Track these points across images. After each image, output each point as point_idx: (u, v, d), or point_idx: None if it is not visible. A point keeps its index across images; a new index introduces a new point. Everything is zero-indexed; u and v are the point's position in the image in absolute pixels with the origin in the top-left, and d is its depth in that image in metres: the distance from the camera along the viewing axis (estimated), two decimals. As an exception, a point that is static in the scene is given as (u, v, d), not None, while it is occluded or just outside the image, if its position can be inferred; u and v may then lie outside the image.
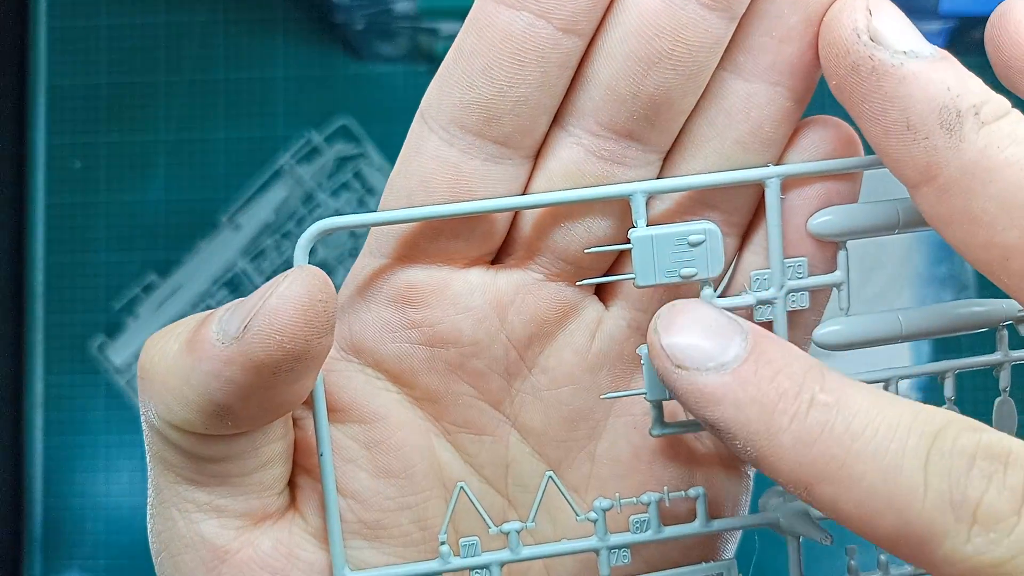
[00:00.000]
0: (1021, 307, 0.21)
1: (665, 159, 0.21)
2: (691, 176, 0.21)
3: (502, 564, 0.21)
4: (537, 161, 0.21)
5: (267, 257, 0.49)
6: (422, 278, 0.21)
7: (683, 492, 0.21)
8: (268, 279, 0.20)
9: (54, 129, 0.51)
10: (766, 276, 0.21)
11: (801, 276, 0.21)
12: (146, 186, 0.50)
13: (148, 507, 0.21)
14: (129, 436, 0.50)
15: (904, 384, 0.22)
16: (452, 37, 0.53)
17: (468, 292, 0.21)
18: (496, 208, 0.20)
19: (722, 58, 0.20)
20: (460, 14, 0.53)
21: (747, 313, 0.21)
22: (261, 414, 0.20)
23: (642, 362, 0.21)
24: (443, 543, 0.21)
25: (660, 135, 0.21)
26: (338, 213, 0.49)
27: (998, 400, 0.22)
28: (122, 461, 0.49)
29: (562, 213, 0.21)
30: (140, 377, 0.20)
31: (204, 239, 0.50)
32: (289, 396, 0.20)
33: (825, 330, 0.21)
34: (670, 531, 0.21)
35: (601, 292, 0.22)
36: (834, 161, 0.21)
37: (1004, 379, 0.22)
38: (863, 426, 0.17)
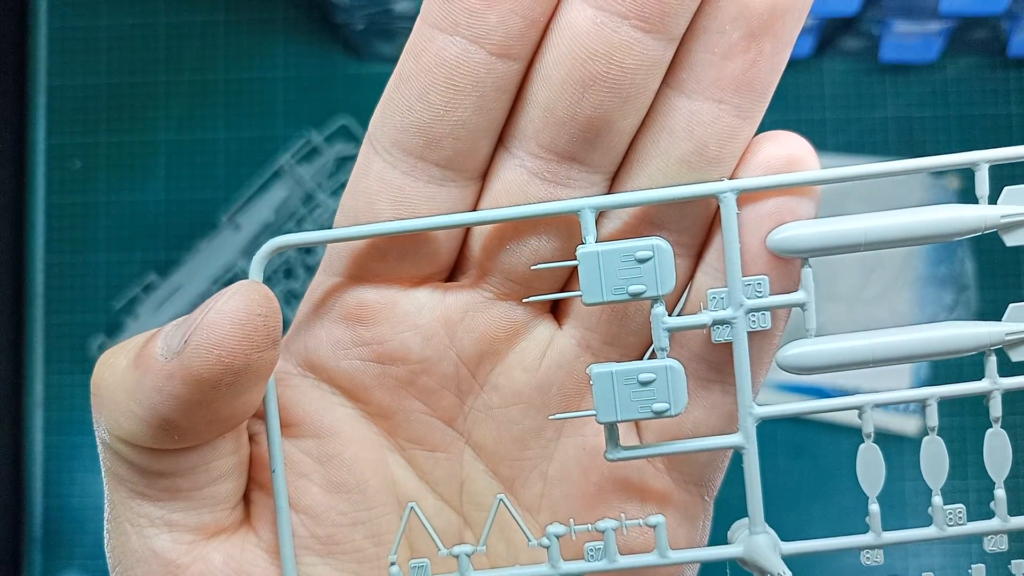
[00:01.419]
0: (1010, 332, 0.20)
1: (613, 180, 0.21)
2: (641, 191, 0.20)
3: None
4: (484, 183, 0.21)
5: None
6: (372, 297, 0.21)
7: (639, 520, 0.21)
8: (268, 279, 0.20)
9: (54, 129, 0.51)
10: (723, 295, 0.20)
11: (761, 295, 0.20)
12: (146, 186, 0.50)
13: (105, 522, 0.21)
14: (129, 436, 0.50)
15: (932, 409, 0.21)
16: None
17: (416, 310, 0.21)
18: (444, 224, 0.20)
19: (666, 75, 0.20)
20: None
21: (704, 333, 0.20)
22: (207, 428, 0.20)
23: (591, 382, 0.20)
24: (392, 564, 0.21)
25: (603, 156, 0.21)
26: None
27: (989, 432, 0.21)
28: (122, 461, 0.49)
29: (508, 233, 0.21)
30: (92, 393, 0.20)
31: (204, 239, 0.50)
32: (235, 410, 0.20)
33: (789, 352, 0.20)
34: (626, 561, 0.21)
35: (555, 312, 0.22)
36: (791, 175, 0.20)
37: (995, 409, 0.21)
38: None
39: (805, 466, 0.46)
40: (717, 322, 0.20)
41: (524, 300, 0.21)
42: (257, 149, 0.50)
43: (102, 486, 0.21)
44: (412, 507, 0.21)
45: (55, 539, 0.50)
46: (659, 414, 0.20)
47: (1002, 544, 0.21)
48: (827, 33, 0.49)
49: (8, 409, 0.49)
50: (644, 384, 0.20)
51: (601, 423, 0.20)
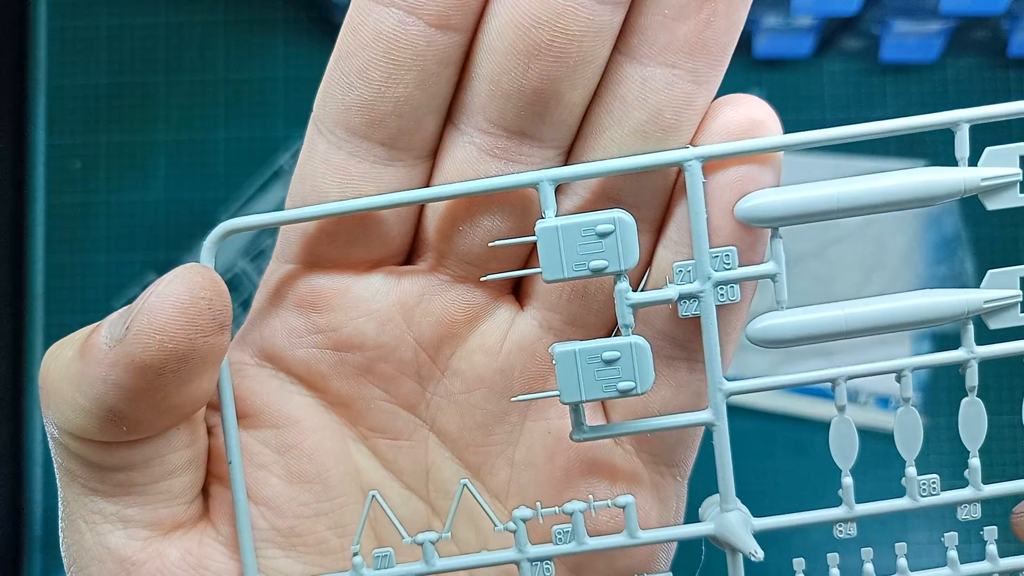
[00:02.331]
0: (988, 299, 0.20)
1: (568, 155, 0.20)
2: (603, 161, 0.19)
3: None
4: (434, 162, 0.21)
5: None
6: (324, 283, 0.21)
7: (608, 502, 0.20)
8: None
9: (54, 129, 0.51)
10: (689, 268, 0.19)
11: (730, 267, 0.19)
12: (146, 186, 0.50)
13: (59, 521, 0.21)
14: (129, 436, 0.50)
15: (907, 380, 0.20)
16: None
17: (371, 296, 0.21)
18: (396, 202, 0.19)
19: (617, 42, 0.19)
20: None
21: (669, 309, 0.20)
22: (157, 418, 0.19)
23: (554, 362, 0.19)
24: (355, 554, 0.20)
25: (555, 130, 0.20)
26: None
27: (964, 401, 0.20)
28: (122, 461, 0.49)
29: (462, 213, 0.20)
30: (40, 387, 0.20)
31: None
32: (184, 399, 0.19)
33: (759, 325, 0.19)
34: (594, 542, 0.20)
35: (516, 294, 0.22)
36: (758, 140, 0.19)
37: (971, 378, 0.20)
38: None
39: (805, 466, 0.46)
40: (684, 296, 0.19)
41: (482, 279, 0.20)
42: (257, 149, 0.50)
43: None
44: (374, 495, 0.20)
45: (55, 539, 0.50)
46: (624, 393, 0.19)
47: (975, 513, 0.21)
48: (827, 33, 0.49)
49: (8, 409, 0.49)
50: (609, 363, 0.19)
51: (565, 404, 0.19)
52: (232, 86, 0.50)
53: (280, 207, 0.50)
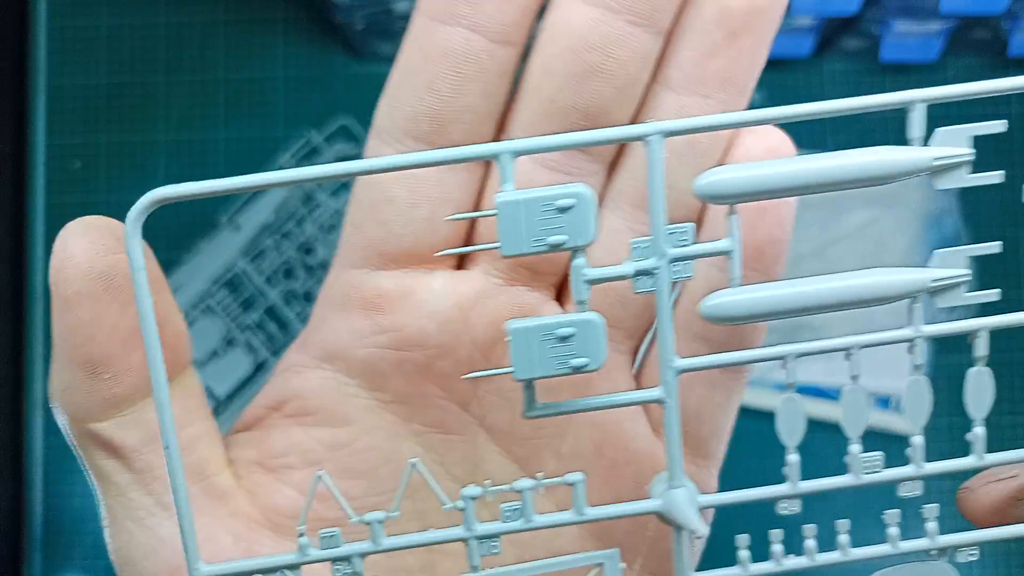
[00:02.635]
0: (936, 278, 0.20)
1: (609, 170, 0.22)
2: (566, 135, 0.19)
3: (363, 555, 0.20)
4: (488, 169, 0.22)
5: (267, 257, 0.49)
6: (389, 285, 0.22)
7: (559, 479, 0.20)
8: (268, 279, 0.20)
9: (54, 129, 0.51)
10: (646, 244, 0.19)
11: (685, 243, 0.19)
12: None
13: (105, 531, 0.22)
14: (129, 436, 0.50)
15: (855, 359, 0.21)
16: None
17: (433, 297, 0.22)
18: (339, 173, 0.19)
19: (656, 72, 0.21)
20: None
21: (626, 285, 0.20)
22: (125, 354, 0.20)
23: (508, 339, 0.19)
24: (301, 535, 0.20)
25: (605, 147, 0.22)
26: (338, 213, 0.49)
27: (910, 379, 0.21)
28: (122, 461, 0.49)
29: None
30: (52, 406, 0.21)
31: (204, 239, 0.50)
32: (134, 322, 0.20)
33: (712, 302, 0.20)
34: (542, 519, 0.20)
35: (559, 299, 0.23)
36: (719, 116, 0.19)
37: (917, 356, 0.20)
38: None
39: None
40: (640, 272, 0.19)
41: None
42: (257, 149, 0.50)
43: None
44: (414, 463, 0.20)
45: (55, 539, 0.50)
46: (578, 369, 0.19)
47: (916, 489, 0.21)
48: (827, 33, 0.49)
49: (8, 409, 0.49)
50: (563, 339, 0.19)
51: (518, 380, 0.19)
52: (232, 86, 0.50)
53: (280, 207, 0.50)
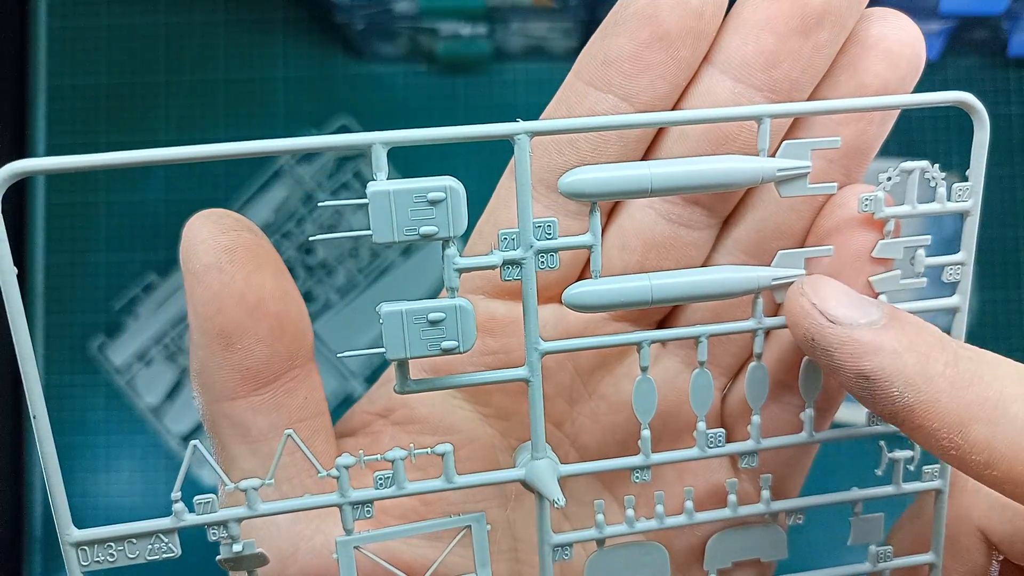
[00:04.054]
0: (777, 277, 0.22)
1: (724, 223, 0.24)
2: (436, 129, 0.20)
3: (239, 520, 0.21)
4: (612, 215, 0.24)
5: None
6: (502, 311, 0.24)
7: (428, 449, 0.21)
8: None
9: (54, 129, 0.51)
10: (514, 235, 0.20)
11: (551, 236, 0.21)
12: (146, 186, 0.50)
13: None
14: (129, 436, 0.50)
15: (703, 346, 0.22)
16: (452, 37, 0.53)
17: (541, 325, 0.23)
18: (230, 153, 0.20)
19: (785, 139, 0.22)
20: (460, 14, 0.53)
21: (495, 273, 0.21)
22: (252, 323, 0.21)
23: (380, 321, 0.20)
24: (175, 500, 0.21)
25: (724, 203, 0.23)
26: (338, 213, 0.49)
27: (751, 366, 0.23)
28: (122, 461, 0.49)
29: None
30: (193, 396, 0.23)
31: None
32: (260, 295, 0.22)
33: (574, 291, 0.21)
34: (413, 487, 0.21)
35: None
36: (585, 120, 0.20)
37: (757, 345, 0.23)
38: (1011, 374, 0.19)
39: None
40: (507, 262, 0.20)
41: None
42: (257, 149, 0.50)
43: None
44: (289, 434, 0.21)
45: (55, 539, 0.50)
46: (447, 351, 0.20)
47: (753, 462, 0.23)
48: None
49: (8, 409, 0.49)
50: (434, 323, 0.20)
51: (389, 360, 0.20)
52: (232, 86, 0.50)
53: (280, 207, 0.50)
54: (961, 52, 0.49)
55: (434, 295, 0.51)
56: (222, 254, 0.21)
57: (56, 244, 0.50)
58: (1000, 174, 0.49)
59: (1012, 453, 0.18)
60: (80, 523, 0.21)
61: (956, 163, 0.49)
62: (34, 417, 0.20)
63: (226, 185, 0.50)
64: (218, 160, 0.20)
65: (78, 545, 0.20)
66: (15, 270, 0.20)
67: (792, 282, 0.22)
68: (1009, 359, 0.20)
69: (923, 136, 0.49)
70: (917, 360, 0.19)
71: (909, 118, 0.48)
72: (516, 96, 0.50)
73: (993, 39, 0.48)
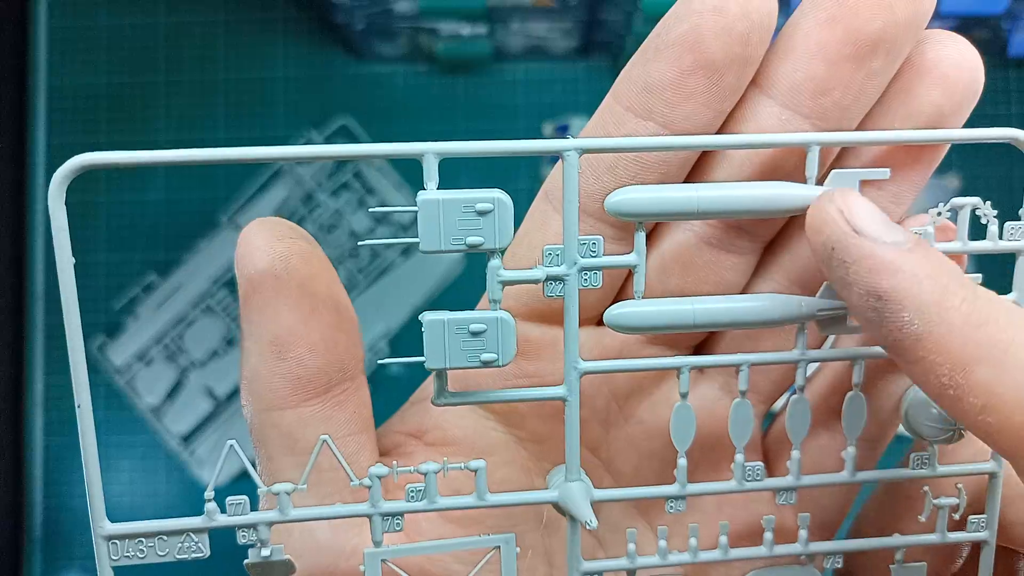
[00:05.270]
0: (823, 308, 0.21)
1: (766, 248, 0.23)
2: (488, 142, 0.20)
3: (270, 524, 0.21)
4: (652, 238, 0.23)
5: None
6: (537, 334, 0.23)
7: (461, 464, 0.21)
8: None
9: (54, 129, 0.51)
10: (559, 252, 0.20)
11: (595, 254, 0.21)
12: (146, 186, 0.50)
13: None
14: (129, 436, 0.50)
15: (744, 375, 0.22)
16: (452, 37, 0.53)
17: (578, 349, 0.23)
18: (256, 157, 0.20)
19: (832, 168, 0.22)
20: (460, 14, 0.53)
21: (538, 288, 0.21)
22: (305, 330, 0.21)
23: (423, 329, 0.20)
24: (208, 500, 0.20)
25: (767, 229, 0.23)
26: (338, 213, 0.49)
27: (793, 399, 0.22)
28: (122, 461, 0.49)
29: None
30: (245, 408, 0.22)
31: (204, 239, 0.50)
32: (316, 300, 0.22)
33: (616, 311, 0.21)
34: (444, 502, 0.21)
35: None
36: (635, 140, 0.20)
37: (799, 377, 0.22)
38: None
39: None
40: (551, 278, 0.20)
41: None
42: (257, 149, 0.50)
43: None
44: (325, 440, 0.21)
45: (55, 539, 0.50)
46: (487, 364, 0.20)
47: (792, 499, 0.23)
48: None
49: (8, 409, 0.49)
50: (475, 335, 0.20)
51: (429, 369, 0.20)
52: (232, 86, 0.50)
53: (280, 207, 0.50)
54: (961, 52, 0.49)
55: (434, 297, 0.51)
56: (277, 261, 0.21)
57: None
58: (1000, 174, 0.49)
59: (1012, 400, 0.17)
60: (80, 522, 0.21)
61: (955, 163, 0.49)
62: (78, 407, 0.21)
63: (226, 185, 0.50)
64: (261, 162, 0.20)
65: (110, 539, 0.20)
66: (72, 260, 0.20)
67: (837, 314, 0.21)
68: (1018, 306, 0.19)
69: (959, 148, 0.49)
70: (935, 289, 0.18)
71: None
72: (516, 96, 0.50)
73: (993, 39, 0.48)
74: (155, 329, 0.49)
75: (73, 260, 0.20)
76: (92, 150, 0.21)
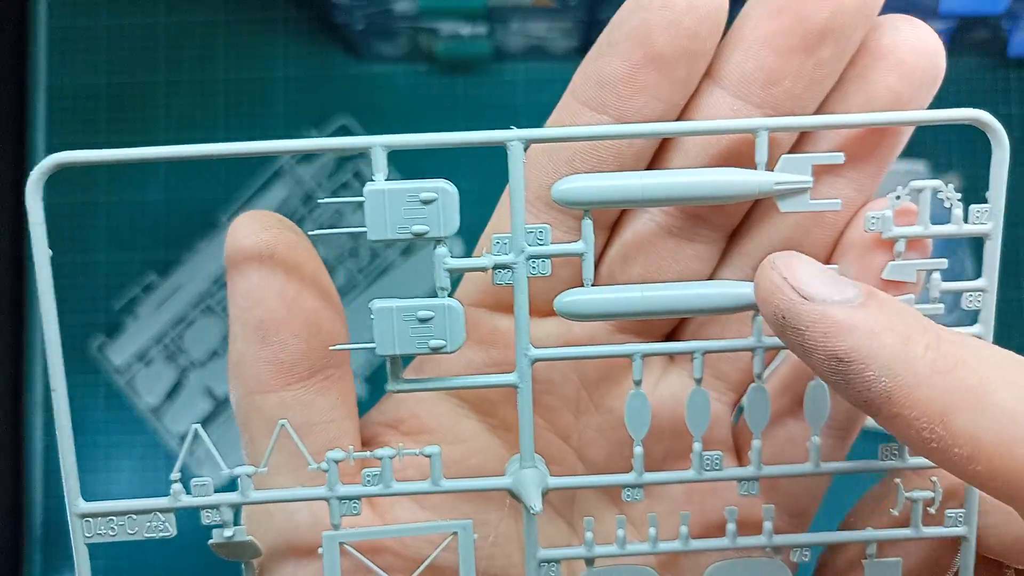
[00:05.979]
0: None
1: (731, 237, 0.23)
2: (433, 134, 0.21)
3: (232, 505, 0.21)
4: (614, 230, 0.23)
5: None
6: (506, 325, 0.23)
7: (416, 451, 0.21)
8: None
9: (54, 129, 0.51)
10: (507, 240, 0.21)
11: (543, 243, 0.21)
12: (146, 186, 0.50)
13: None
14: (129, 436, 0.50)
15: (698, 362, 0.22)
16: (452, 37, 0.53)
17: (545, 337, 0.23)
18: (241, 152, 0.20)
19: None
20: (460, 14, 0.53)
21: (487, 275, 0.21)
22: (289, 317, 0.22)
23: (371, 316, 0.21)
24: (174, 481, 0.22)
25: (727, 218, 0.23)
26: (338, 213, 0.49)
27: (752, 387, 0.22)
28: (122, 461, 0.49)
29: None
30: (232, 397, 0.23)
31: (204, 239, 0.50)
32: (298, 286, 0.22)
33: (565, 299, 0.21)
34: (399, 487, 0.22)
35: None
36: (580, 128, 0.21)
37: (757, 365, 0.22)
38: (996, 358, 0.17)
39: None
40: (499, 266, 0.21)
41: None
42: (257, 149, 0.50)
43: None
44: (283, 424, 0.21)
45: (55, 539, 0.50)
46: (435, 350, 0.21)
47: (753, 490, 0.23)
48: (827, 33, 0.49)
49: (8, 409, 0.49)
50: (423, 321, 0.21)
51: (380, 356, 0.21)
52: (232, 86, 0.50)
53: (281, 207, 0.50)
54: (961, 52, 0.49)
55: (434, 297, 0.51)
56: (263, 248, 0.22)
57: (56, 244, 0.50)
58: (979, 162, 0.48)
59: (998, 444, 0.17)
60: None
61: (956, 163, 0.49)
62: (54, 391, 0.22)
63: (226, 185, 0.50)
64: (218, 159, 0.20)
65: (83, 516, 0.22)
66: (49, 252, 0.22)
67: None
68: (994, 344, 0.19)
69: (923, 136, 0.49)
70: (895, 341, 0.17)
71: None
72: (516, 96, 0.50)
73: (993, 39, 0.48)
74: (155, 329, 0.49)
75: (50, 253, 0.22)
76: (92, 150, 0.21)
